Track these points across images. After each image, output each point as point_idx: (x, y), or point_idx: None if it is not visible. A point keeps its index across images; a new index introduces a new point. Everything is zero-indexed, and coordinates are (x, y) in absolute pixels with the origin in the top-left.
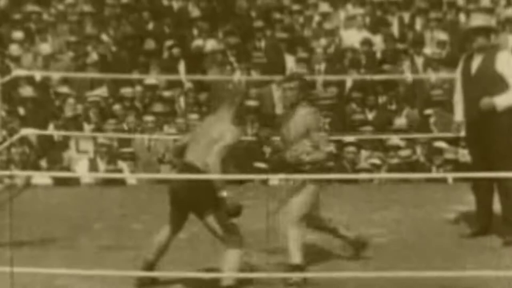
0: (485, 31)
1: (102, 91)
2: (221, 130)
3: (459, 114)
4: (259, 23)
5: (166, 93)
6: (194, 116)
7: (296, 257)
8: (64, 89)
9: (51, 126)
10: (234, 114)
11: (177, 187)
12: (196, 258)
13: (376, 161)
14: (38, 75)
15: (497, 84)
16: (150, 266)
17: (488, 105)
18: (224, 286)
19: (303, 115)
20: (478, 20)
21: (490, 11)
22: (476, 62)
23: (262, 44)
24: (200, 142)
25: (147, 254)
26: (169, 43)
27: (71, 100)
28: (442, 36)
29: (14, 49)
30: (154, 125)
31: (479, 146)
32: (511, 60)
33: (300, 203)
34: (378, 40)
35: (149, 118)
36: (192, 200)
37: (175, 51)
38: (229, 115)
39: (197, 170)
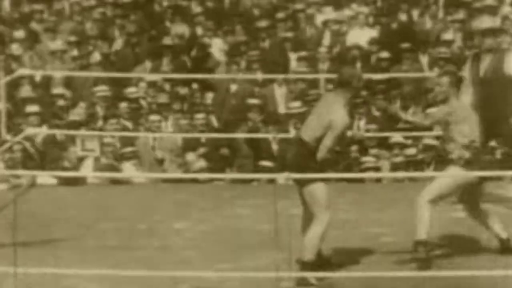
0: (493, 32)
1: (103, 89)
2: (332, 117)
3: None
4: (263, 23)
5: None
6: (200, 115)
7: (421, 234)
8: (60, 90)
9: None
10: (349, 99)
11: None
12: (204, 257)
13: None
14: (39, 75)
15: (507, 86)
16: (323, 261)
17: None
18: (304, 261)
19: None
20: (486, 21)
21: (494, 10)
22: (484, 64)
23: (266, 44)
24: (314, 119)
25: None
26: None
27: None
28: (448, 35)
29: (15, 48)
30: (159, 124)
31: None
32: None
33: (438, 185)
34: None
35: (154, 117)
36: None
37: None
38: (344, 99)
39: (305, 144)
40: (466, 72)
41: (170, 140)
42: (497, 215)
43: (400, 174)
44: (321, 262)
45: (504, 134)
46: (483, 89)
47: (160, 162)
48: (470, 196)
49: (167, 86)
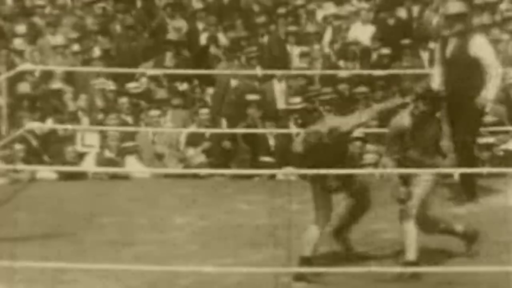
0: (460, 16)
1: (102, 81)
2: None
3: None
4: (262, 19)
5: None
6: (204, 110)
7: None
8: (58, 85)
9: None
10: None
11: None
12: (204, 252)
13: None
14: (39, 70)
15: (471, 67)
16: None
17: (484, 103)
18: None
19: None
20: (455, 6)
21: (494, 7)
22: (451, 46)
23: (265, 39)
24: None
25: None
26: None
27: (69, 95)
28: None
29: (18, 43)
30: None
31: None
32: (485, 43)
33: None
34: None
35: (153, 112)
36: None
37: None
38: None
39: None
40: (435, 54)
41: (170, 135)
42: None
43: (401, 171)
44: (348, 254)
45: (468, 114)
46: (449, 70)
47: (160, 157)
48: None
49: (166, 82)
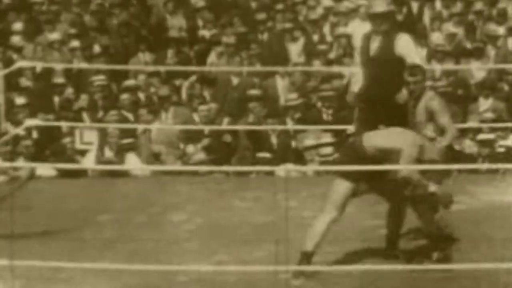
0: (388, 16)
1: (101, 78)
2: None
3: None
4: (262, 15)
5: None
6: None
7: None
8: (60, 80)
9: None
10: None
11: None
12: (202, 250)
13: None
14: (39, 66)
15: (395, 65)
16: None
17: (404, 98)
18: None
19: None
20: (381, 6)
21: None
22: (375, 44)
23: (265, 36)
24: None
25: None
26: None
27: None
28: (452, 28)
29: (16, 40)
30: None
31: (371, 124)
32: (410, 41)
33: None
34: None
35: (143, 110)
36: None
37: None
38: None
39: None
40: (357, 53)
41: (168, 132)
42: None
43: (397, 167)
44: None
45: (390, 113)
46: (372, 69)
47: (157, 155)
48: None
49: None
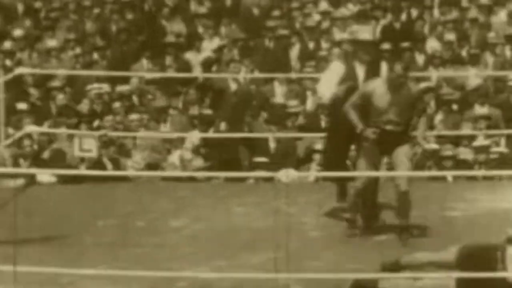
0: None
1: (98, 86)
2: None
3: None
4: (271, 23)
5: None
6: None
7: None
8: (56, 83)
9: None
10: None
11: None
12: (201, 255)
13: None
14: (38, 73)
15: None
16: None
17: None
18: None
19: None
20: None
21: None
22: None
23: (271, 44)
24: None
25: None
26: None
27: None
28: (450, 36)
29: (13, 46)
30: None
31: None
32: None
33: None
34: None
35: (134, 116)
36: None
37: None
38: None
39: None
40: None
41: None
42: None
43: (395, 174)
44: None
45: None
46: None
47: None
48: None
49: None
